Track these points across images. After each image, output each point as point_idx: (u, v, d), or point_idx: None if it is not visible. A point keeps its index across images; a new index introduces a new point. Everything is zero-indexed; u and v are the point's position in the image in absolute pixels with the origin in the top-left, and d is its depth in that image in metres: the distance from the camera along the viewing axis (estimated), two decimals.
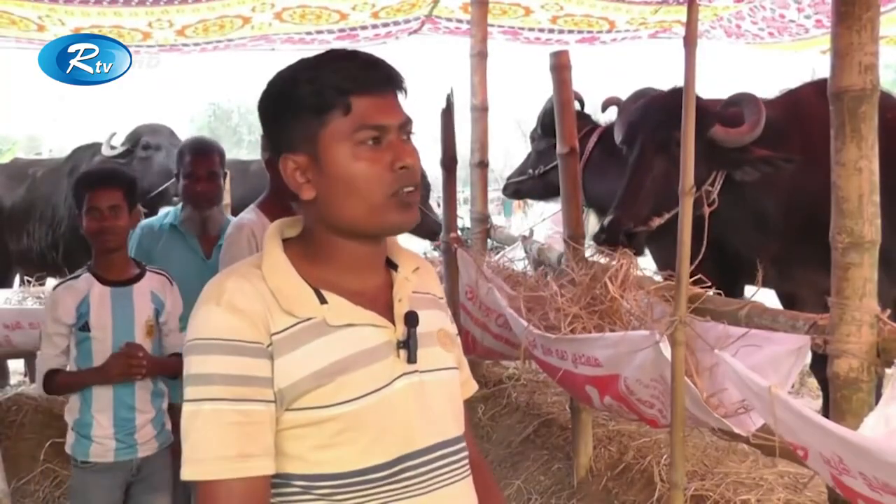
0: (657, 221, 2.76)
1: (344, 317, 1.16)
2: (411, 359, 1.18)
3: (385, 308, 1.21)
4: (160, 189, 4.75)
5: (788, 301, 3.16)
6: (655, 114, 3.00)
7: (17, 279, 5.46)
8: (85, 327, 2.57)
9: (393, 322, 1.20)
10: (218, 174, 3.19)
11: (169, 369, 2.67)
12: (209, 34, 4.78)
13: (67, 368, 2.61)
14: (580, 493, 3.32)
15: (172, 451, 2.67)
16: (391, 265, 1.28)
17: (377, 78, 1.17)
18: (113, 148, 4.86)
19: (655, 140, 2.95)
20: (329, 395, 1.12)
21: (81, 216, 2.61)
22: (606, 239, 2.90)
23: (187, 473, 1.09)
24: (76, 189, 2.68)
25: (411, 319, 1.19)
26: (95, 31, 4.45)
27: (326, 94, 1.14)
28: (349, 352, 1.15)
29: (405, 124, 1.19)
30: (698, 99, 2.88)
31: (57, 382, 2.60)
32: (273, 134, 1.23)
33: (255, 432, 1.10)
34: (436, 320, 1.28)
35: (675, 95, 2.92)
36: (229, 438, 1.08)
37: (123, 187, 2.64)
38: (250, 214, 2.81)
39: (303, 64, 1.19)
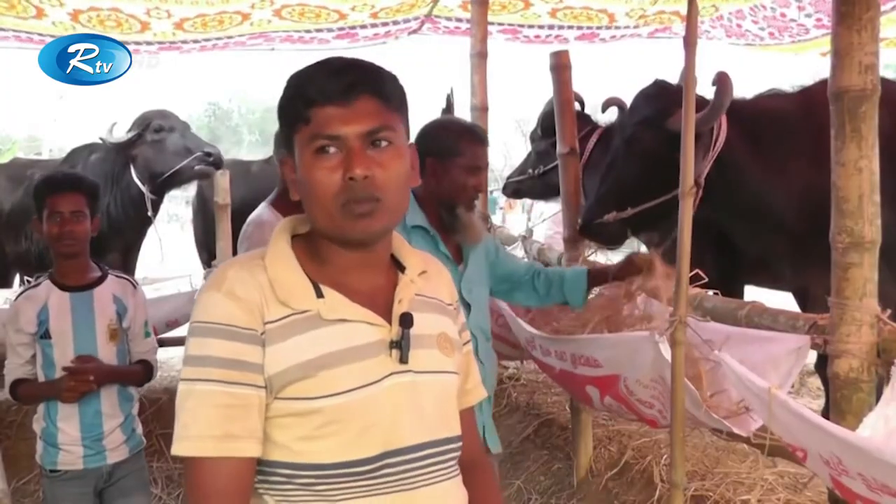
0: (627, 213, 2.79)
1: (338, 312, 1.19)
2: (403, 359, 1.20)
3: (384, 308, 1.23)
4: (176, 168, 4.74)
5: (802, 298, 3.16)
6: (633, 107, 3.01)
7: (16, 279, 5.45)
8: (46, 335, 2.53)
9: (390, 322, 1.22)
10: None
11: (125, 377, 2.62)
12: (207, 29, 4.72)
13: (38, 376, 2.57)
14: (580, 493, 3.32)
15: None
16: (401, 267, 1.30)
17: (340, 86, 1.16)
18: (116, 136, 4.82)
19: (623, 136, 2.98)
20: (314, 388, 1.15)
21: (42, 221, 2.55)
22: (579, 231, 3.03)
23: (176, 449, 1.14)
24: (37, 193, 2.59)
25: (406, 320, 1.21)
26: (93, 14, 4.39)
27: (294, 103, 1.19)
28: (338, 347, 1.17)
29: (373, 132, 1.17)
30: (669, 85, 2.89)
31: (19, 393, 2.58)
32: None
33: (243, 415, 1.14)
34: (437, 324, 1.29)
35: (648, 91, 2.93)
36: (216, 418, 1.13)
37: (86, 193, 2.59)
38: (267, 213, 2.78)
39: (296, 71, 1.23)
